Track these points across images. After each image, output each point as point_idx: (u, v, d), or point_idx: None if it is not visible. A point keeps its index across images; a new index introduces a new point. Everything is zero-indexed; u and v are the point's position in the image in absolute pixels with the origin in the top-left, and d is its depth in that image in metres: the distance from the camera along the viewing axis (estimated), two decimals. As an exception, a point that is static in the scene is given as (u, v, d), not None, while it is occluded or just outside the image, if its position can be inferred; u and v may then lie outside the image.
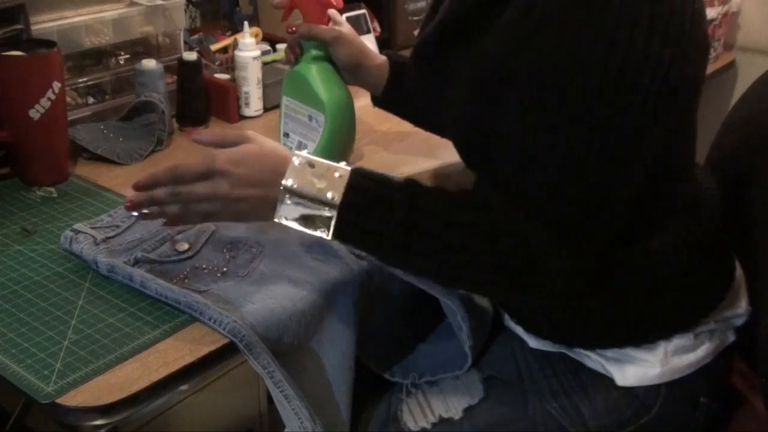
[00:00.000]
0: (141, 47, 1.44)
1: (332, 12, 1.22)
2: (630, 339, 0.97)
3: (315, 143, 1.24)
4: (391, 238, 0.86)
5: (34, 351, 0.85)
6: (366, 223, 0.86)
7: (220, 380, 0.94)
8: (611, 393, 0.98)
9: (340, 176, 0.86)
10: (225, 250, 1.01)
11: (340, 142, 1.26)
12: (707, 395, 1.01)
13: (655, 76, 0.81)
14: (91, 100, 1.39)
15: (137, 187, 0.91)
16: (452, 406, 1.01)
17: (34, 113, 1.14)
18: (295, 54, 1.24)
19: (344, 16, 1.47)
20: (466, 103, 0.94)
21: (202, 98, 1.42)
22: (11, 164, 1.19)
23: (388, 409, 1.04)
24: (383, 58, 1.26)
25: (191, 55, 1.39)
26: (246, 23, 1.47)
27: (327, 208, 0.85)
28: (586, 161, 0.82)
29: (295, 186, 0.86)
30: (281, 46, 1.59)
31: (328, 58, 1.23)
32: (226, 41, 1.61)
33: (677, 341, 0.97)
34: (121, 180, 1.22)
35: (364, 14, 1.70)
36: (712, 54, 2.00)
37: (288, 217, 0.87)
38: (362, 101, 1.32)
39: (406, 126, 1.33)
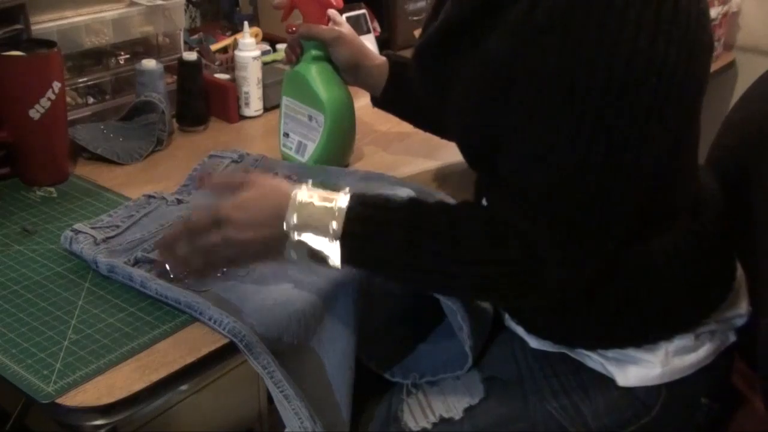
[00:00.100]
0: (141, 47, 1.44)
1: (332, 12, 1.22)
2: (631, 339, 0.96)
3: (315, 143, 1.24)
4: (397, 260, 0.87)
5: (34, 351, 0.85)
6: (371, 249, 0.87)
7: (220, 380, 0.94)
8: (612, 393, 0.98)
9: (340, 207, 0.87)
10: (225, 250, 1.01)
11: (340, 142, 1.26)
12: (708, 396, 1.01)
13: (661, 77, 0.81)
14: (91, 100, 1.39)
15: (159, 246, 0.95)
16: (453, 406, 1.01)
17: (34, 113, 1.14)
18: (296, 54, 1.24)
19: (344, 16, 1.47)
20: (468, 104, 0.94)
21: (202, 98, 1.42)
22: (11, 164, 1.19)
23: (389, 409, 1.04)
24: (383, 58, 1.26)
25: (191, 55, 1.39)
26: (246, 23, 1.47)
27: (331, 240, 0.87)
28: (590, 163, 0.82)
29: (297, 223, 0.87)
30: (281, 46, 1.59)
31: (328, 58, 1.23)
32: (226, 41, 1.61)
33: (678, 342, 0.97)
34: (121, 180, 1.22)
35: (364, 14, 1.70)
36: (713, 54, 2.00)
37: (296, 252, 0.89)
38: (362, 101, 1.32)
39: (406, 126, 1.33)
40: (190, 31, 1.68)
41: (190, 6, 1.74)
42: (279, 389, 0.87)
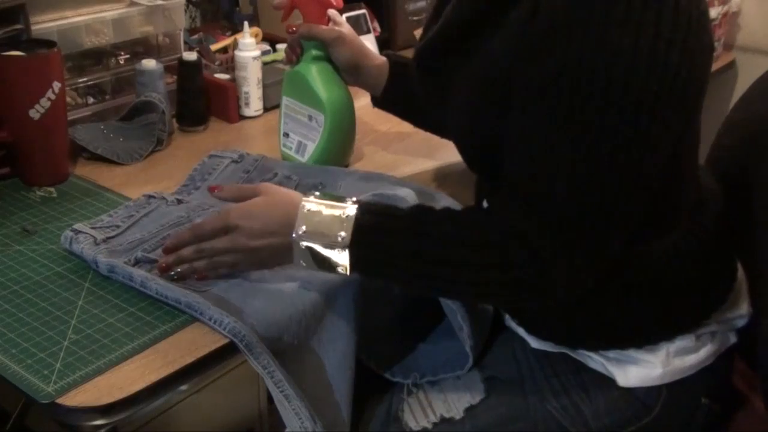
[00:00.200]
0: (141, 47, 1.44)
1: (332, 12, 1.22)
2: (632, 340, 0.96)
3: (315, 143, 1.24)
4: (404, 267, 0.88)
5: (34, 351, 0.85)
6: (379, 257, 0.89)
7: (220, 380, 0.94)
8: (612, 393, 0.98)
9: (347, 216, 0.88)
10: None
11: (340, 142, 1.26)
12: (708, 396, 1.01)
13: (663, 80, 0.81)
14: (91, 100, 1.39)
15: (166, 250, 0.96)
16: (453, 406, 1.01)
17: (34, 113, 1.14)
18: (296, 54, 1.24)
19: (344, 16, 1.47)
20: (469, 106, 0.94)
21: (202, 98, 1.42)
22: (11, 164, 1.19)
23: (389, 409, 1.04)
24: (383, 58, 1.26)
25: (191, 55, 1.39)
26: (246, 23, 1.47)
27: (339, 249, 0.88)
28: (592, 166, 0.82)
29: (305, 232, 0.89)
30: (281, 46, 1.59)
31: (328, 58, 1.23)
32: (226, 41, 1.61)
33: (679, 342, 0.97)
34: (121, 180, 1.22)
35: (364, 14, 1.70)
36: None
37: (305, 260, 0.90)
38: (362, 101, 1.32)
39: (406, 126, 1.33)
40: (190, 31, 1.68)
41: (190, 6, 1.74)
42: (279, 389, 0.87)
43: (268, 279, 0.96)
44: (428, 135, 1.30)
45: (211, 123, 1.45)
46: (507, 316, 1.06)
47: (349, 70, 1.24)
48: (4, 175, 1.19)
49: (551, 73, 0.82)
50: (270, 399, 0.93)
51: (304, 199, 0.91)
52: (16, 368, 0.82)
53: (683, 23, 0.81)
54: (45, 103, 1.14)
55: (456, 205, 1.11)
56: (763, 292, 1.04)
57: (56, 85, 1.14)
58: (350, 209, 0.89)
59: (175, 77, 1.42)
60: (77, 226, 1.03)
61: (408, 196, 1.05)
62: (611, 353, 0.98)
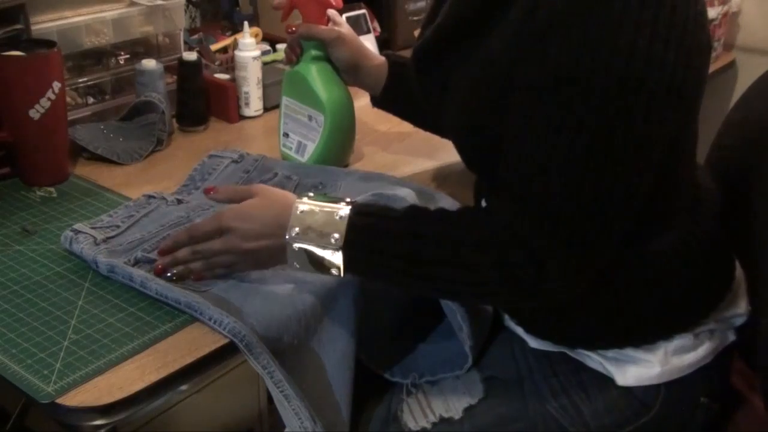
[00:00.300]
0: (141, 47, 1.44)
1: (332, 12, 1.22)
2: (630, 339, 0.97)
3: (315, 143, 1.24)
4: (399, 268, 0.88)
5: (34, 351, 0.85)
6: (373, 258, 0.89)
7: (220, 380, 0.94)
8: (611, 393, 0.98)
9: (341, 217, 0.88)
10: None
11: (340, 142, 1.26)
12: (707, 395, 1.01)
13: (660, 80, 0.81)
14: (91, 100, 1.39)
15: (161, 252, 0.97)
16: (452, 406, 1.01)
17: (34, 113, 1.14)
18: (296, 54, 1.24)
19: (344, 16, 1.47)
20: (467, 105, 0.94)
21: (202, 98, 1.42)
22: (11, 164, 1.19)
23: (389, 409, 1.04)
24: (382, 58, 1.26)
25: (191, 55, 1.39)
26: (246, 23, 1.47)
27: (333, 250, 0.88)
28: (590, 167, 0.82)
29: (299, 234, 0.89)
30: (281, 46, 1.59)
31: (328, 58, 1.23)
32: (226, 41, 1.61)
33: (677, 341, 0.97)
34: (121, 180, 1.22)
35: (364, 14, 1.70)
36: (713, 54, 2.00)
37: (299, 262, 0.91)
38: (362, 101, 1.32)
39: (406, 126, 1.33)
40: (190, 31, 1.68)
41: (190, 6, 1.74)
42: (279, 389, 0.87)
43: (268, 279, 0.96)
44: (428, 135, 1.30)
45: (211, 123, 1.45)
46: (506, 316, 1.07)
47: (349, 70, 1.24)
48: (4, 175, 1.19)
49: (548, 72, 0.82)
50: (270, 399, 0.93)
51: (297, 200, 0.91)
52: (16, 368, 0.82)
53: (680, 23, 0.81)
54: (45, 103, 1.14)
55: (456, 205, 1.11)
56: (762, 291, 1.04)
57: (56, 85, 1.14)
58: (344, 210, 0.89)
59: (175, 77, 1.42)
60: (77, 226, 1.03)
61: (408, 196, 1.05)
62: (609, 352, 0.98)
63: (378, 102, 1.29)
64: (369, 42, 1.62)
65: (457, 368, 1.04)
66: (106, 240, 1.02)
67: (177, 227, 1.04)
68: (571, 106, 0.81)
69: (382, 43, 1.72)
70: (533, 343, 1.03)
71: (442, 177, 1.29)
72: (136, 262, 0.98)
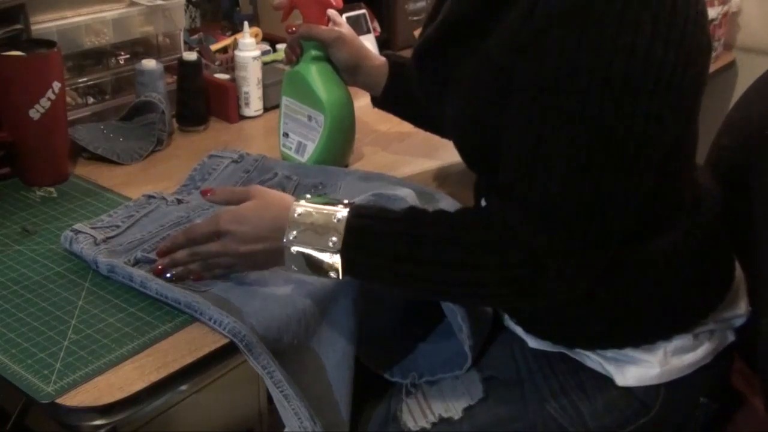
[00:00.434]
0: (141, 47, 1.44)
1: (332, 12, 1.22)
2: (630, 339, 0.97)
3: (315, 143, 1.24)
4: (397, 271, 0.88)
5: (34, 351, 0.85)
6: (371, 260, 0.88)
7: (220, 380, 0.95)
8: (611, 393, 0.98)
9: (339, 220, 0.87)
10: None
11: (339, 142, 1.26)
12: (707, 395, 1.01)
13: (659, 80, 0.81)
14: (91, 100, 1.39)
15: (160, 253, 0.97)
16: (452, 406, 1.01)
17: (34, 113, 1.14)
18: (296, 54, 1.24)
19: (344, 16, 1.47)
20: (467, 105, 0.94)
21: (202, 98, 1.42)
22: (11, 164, 1.19)
23: (388, 409, 1.04)
24: (382, 58, 1.26)
25: (191, 55, 1.39)
26: (246, 23, 1.47)
27: (331, 253, 0.87)
28: (590, 167, 0.82)
29: (296, 236, 0.89)
30: (281, 46, 1.59)
31: (328, 59, 1.23)
32: (226, 41, 1.61)
33: (677, 341, 0.97)
34: (121, 180, 1.22)
35: (364, 14, 1.70)
36: (713, 54, 2.00)
37: (296, 265, 0.90)
38: (362, 101, 1.32)
39: (406, 126, 1.33)
40: (190, 31, 1.68)
41: (190, 6, 1.74)
42: (279, 389, 0.87)
43: (268, 279, 0.96)
44: (428, 135, 1.30)
45: (211, 123, 1.45)
46: (506, 316, 1.07)
47: (349, 71, 1.24)
48: (4, 175, 1.19)
49: (548, 71, 0.82)
50: (270, 399, 0.93)
51: (294, 202, 0.91)
52: (16, 368, 0.82)
53: (680, 23, 0.81)
54: (45, 103, 1.14)
55: (455, 206, 1.11)
56: (762, 291, 1.04)
57: (56, 85, 1.14)
58: (341, 212, 0.88)
59: (175, 77, 1.42)
60: (77, 226, 1.03)
61: (408, 196, 1.05)
62: (609, 352, 0.98)
63: (378, 102, 1.29)
64: (369, 42, 1.62)
65: (457, 368, 1.04)
66: (106, 240, 1.02)
67: (177, 227, 1.04)
68: (570, 105, 0.81)
69: (382, 43, 1.72)
70: (532, 343, 1.03)
71: (442, 177, 1.29)
72: (136, 262, 0.98)
